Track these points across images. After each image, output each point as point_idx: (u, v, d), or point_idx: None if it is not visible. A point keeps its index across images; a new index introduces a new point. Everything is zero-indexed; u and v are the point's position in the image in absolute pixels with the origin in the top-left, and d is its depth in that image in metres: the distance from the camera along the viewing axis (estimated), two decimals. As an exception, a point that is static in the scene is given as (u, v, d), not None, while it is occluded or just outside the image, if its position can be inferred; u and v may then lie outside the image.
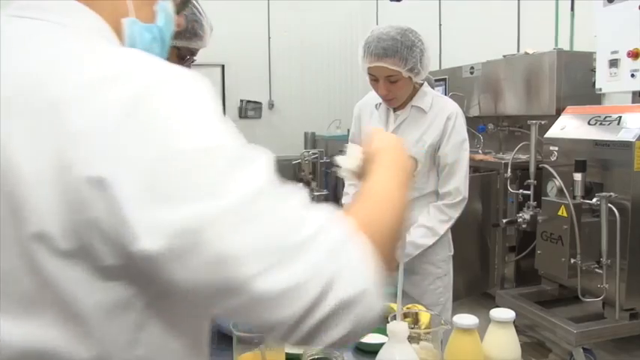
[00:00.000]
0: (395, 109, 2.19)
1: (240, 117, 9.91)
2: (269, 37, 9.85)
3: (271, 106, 10.04)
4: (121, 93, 0.61)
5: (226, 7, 8.81)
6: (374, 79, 2.09)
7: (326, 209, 0.67)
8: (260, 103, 9.97)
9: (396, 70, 2.00)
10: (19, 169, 0.60)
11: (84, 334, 0.63)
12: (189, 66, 1.61)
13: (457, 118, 2.13)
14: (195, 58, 1.62)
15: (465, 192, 2.13)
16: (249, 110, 9.89)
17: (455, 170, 2.12)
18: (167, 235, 0.58)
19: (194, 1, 1.51)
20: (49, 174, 0.60)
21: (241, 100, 9.88)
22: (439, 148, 2.13)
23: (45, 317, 0.63)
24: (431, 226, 2.11)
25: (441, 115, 2.13)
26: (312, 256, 0.60)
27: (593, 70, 3.89)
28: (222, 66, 9.65)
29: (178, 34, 1.50)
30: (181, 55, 1.55)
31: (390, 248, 0.73)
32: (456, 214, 2.13)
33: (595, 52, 3.82)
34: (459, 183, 2.12)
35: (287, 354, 1.13)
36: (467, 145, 2.16)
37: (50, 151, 0.60)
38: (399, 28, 2.01)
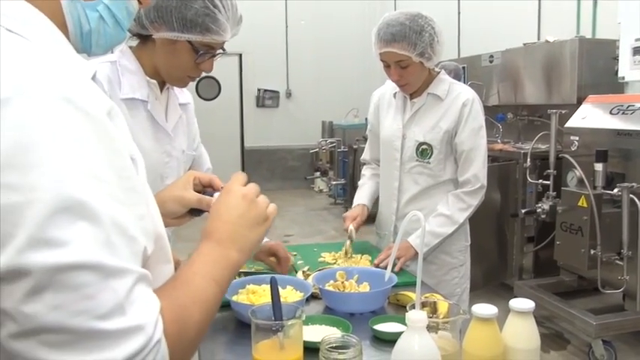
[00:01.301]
0: (411, 97, 2.19)
1: (258, 106, 9.93)
2: (286, 26, 9.84)
3: (289, 95, 10.04)
4: None
5: (244, -5, 8.79)
6: (386, 65, 2.09)
7: (150, 305, 0.64)
8: (277, 92, 9.98)
9: (405, 55, 2.00)
10: None
11: None
12: (210, 60, 1.59)
13: (473, 105, 2.11)
14: (219, 51, 1.59)
15: (483, 179, 2.11)
16: (266, 99, 9.90)
17: (472, 157, 2.10)
18: None
19: None
20: None
21: (259, 89, 9.89)
22: (455, 134, 2.11)
23: None
24: (450, 214, 2.10)
25: (457, 102, 2.12)
26: (110, 353, 0.59)
27: (616, 58, 3.82)
28: (240, 55, 9.66)
29: (188, 29, 1.48)
30: (195, 49, 1.53)
31: (189, 349, 0.73)
32: (474, 201, 2.11)
33: (618, 40, 3.76)
34: (477, 170, 2.10)
35: (305, 342, 1.13)
36: (484, 132, 2.14)
37: None
38: (409, 14, 2.01)
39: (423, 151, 2.13)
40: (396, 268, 1.92)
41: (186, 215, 1.25)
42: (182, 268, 0.81)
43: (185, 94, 1.83)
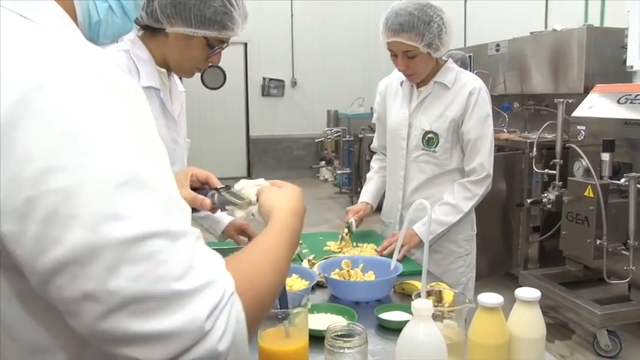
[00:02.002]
0: (418, 85, 2.18)
1: (263, 95, 9.91)
2: (292, 15, 9.79)
3: (294, 84, 10.01)
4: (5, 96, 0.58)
5: (249, -17, 8.75)
6: (393, 55, 2.08)
7: (215, 260, 0.67)
8: (283, 81, 9.95)
9: (412, 46, 1.99)
10: None
11: None
12: (219, 53, 1.63)
13: (480, 93, 2.10)
14: (226, 45, 1.62)
15: (489, 168, 2.10)
16: (271, 88, 9.88)
17: (479, 146, 2.09)
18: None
19: None
20: None
21: (264, 78, 9.87)
22: (462, 123, 2.10)
23: None
24: (455, 203, 2.09)
25: (464, 91, 2.10)
26: (193, 309, 0.61)
27: (625, 47, 3.79)
28: (245, 44, 9.63)
29: (206, 26, 1.51)
30: (210, 44, 1.56)
31: (262, 309, 0.74)
32: (480, 191, 2.11)
33: (627, 28, 3.73)
34: (483, 159, 2.09)
35: (310, 330, 1.14)
36: (491, 120, 2.13)
37: None
38: (418, 4, 1.99)
39: (429, 139, 2.13)
40: (399, 256, 1.92)
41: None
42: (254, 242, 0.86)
43: (180, 84, 1.84)
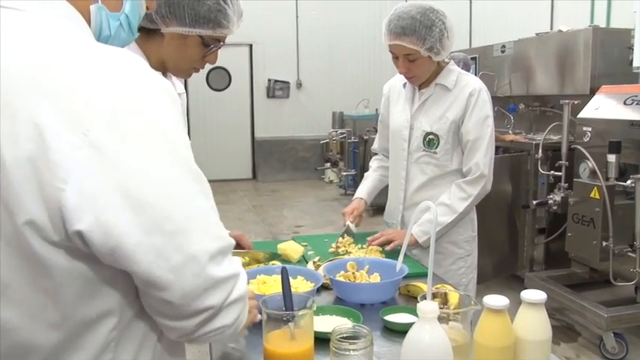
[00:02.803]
0: (420, 88, 2.20)
1: (268, 96, 9.93)
2: (297, 17, 9.81)
3: (299, 85, 10.02)
4: (97, 106, 0.69)
5: (254, -15, 8.77)
6: (395, 57, 2.09)
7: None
8: (288, 83, 9.96)
9: (414, 49, 1.99)
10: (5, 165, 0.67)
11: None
12: (215, 52, 1.63)
13: (480, 95, 2.10)
14: (222, 43, 1.62)
15: (484, 168, 2.10)
16: (276, 90, 9.89)
17: (476, 147, 2.10)
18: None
19: None
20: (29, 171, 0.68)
21: (269, 80, 9.88)
22: (462, 124, 2.11)
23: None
24: (450, 203, 2.10)
25: (464, 92, 2.11)
26: (232, 258, 0.84)
27: (631, 48, 3.78)
28: (250, 45, 9.65)
29: (200, 24, 1.51)
30: (205, 43, 1.57)
31: None
32: (474, 191, 2.10)
33: (633, 29, 3.71)
34: (478, 159, 2.10)
35: (315, 332, 1.14)
36: (490, 121, 2.13)
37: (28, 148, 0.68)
38: (421, 7, 2.00)
39: (430, 141, 2.14)
40: (387, 248, 2.03)
41: None
42: None
43: (179, 85, 1.84)
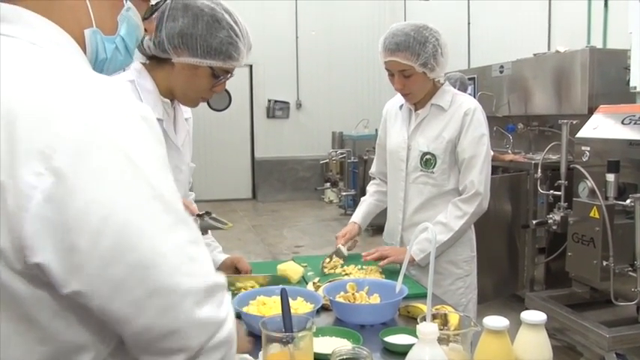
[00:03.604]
0: (416, 108, 2.22)
1: (268, 117, 9.97)
2: (297, 37, 9.89)
3: (299, 105, 10.07)
4: (65, 135, 0.67)
5: (254, 7, 8.87)
6: (391, 74, 2.14)
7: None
8: (288, 103, 10.01)
9: (408, 65, 2.04)
10: None
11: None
12: (223, 84, 1.66)
13: (475, 114, 2.13)
14: (230, 75, 1.65)
15: (479, 186, 2.11)
16: (276, 110, 9.94)
17: (472, 165, 2.12)
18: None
19: (232, 24, 1.55)
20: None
21: (269, 100, 9.94)
22: (458, 143, 2.13)
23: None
24: (446, 222, 2.11)
25: (459, 111, 2.14)
26: (220, 299, 0.78)
27: (628, 68, 3.81)
28: (250, 66, 9.72)
29: (211, 56, 1.55)
30: (215, 74, 1.59)
31: None
32: (470, 209, 2.11)
33: (629, 50, 3.74)
34: (473, 177, 2.11)
35: (315, 353, 1.13)
36: (485, 140, 2.15)
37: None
38: (415, 25, 2.07)
39: (427, 161, 2.16)
40: (381, 264, 2.07)
41: None
42: None
43: (187, 110, 1.87)
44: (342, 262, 2.17)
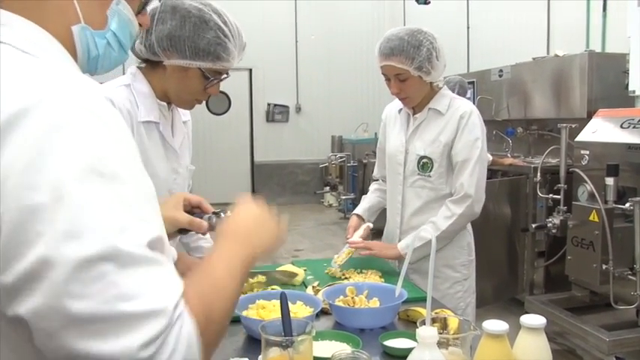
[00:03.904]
0: (414, 113, 2.24)
1: (268, 121, 9.98)
2: (296, 41, 9.90)
3: (298, 109, 10.08)
4: (26, 132, 0.62)
5: (254, 11, 8.88)
6: (387, 79, 2.16)
7: (172, 290, 0.68)
8: (287, 107, 10.02)
9: (403, 69, 2.06)
10: None
11: None
12: (217, 84, 1.65)
13: (470, 117, 2.14)
14: (224, 76, 1.64)
15: (468, 189, 2.11)
16: (276, 114, 9.95)
17: (463, 167, 2.13)
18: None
19: (221, 25, 1.55)
20: None
21: (268, 104, 9.94)
22: (453, 146, 2.14)
23: None
24: (435, 220, 2.13)
25: (456, 115, 2.16)
26: (136, 334, 0.62)
27: (626, 72, 3.81)
28: (250, 70, 9.72)
29: (200, 57, 1.54)
30: (206, 75, 1.59)
31: (214, 330, 0.75)
32: (458, 210, 2.11)
33: (628, 54, 3.75)
34: (463, 179, 2.12)
35: (315, 357, 1.13)
36: (479, 143, 2.14)
37: None
38: (409, 30, 2.09)
39: (424, 164, 2.17)
40: (362, 253, 2.14)
41: (174, 234, 1.33)
42: (202, 262, 0.86)
43: (186, 112, 1.87)
44: (352, 251, 2.19)
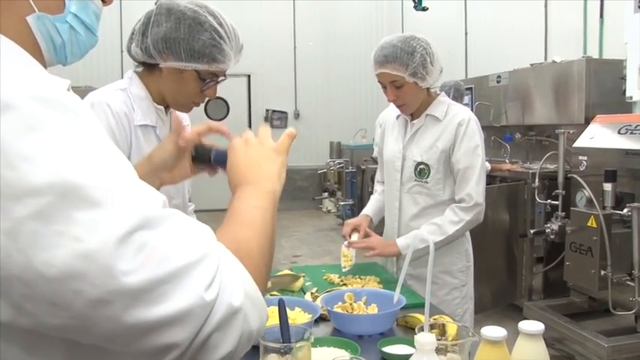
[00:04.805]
0: (412, 119, 2.25)
1: (266, 126, 9.98)
2: (295, 47, 9.93)
3: (297, 115, 10.09)
4: None
5: (252, 17, 8.91)
6: (383, 87, 2.16)
7: (205, 233, 0.70)
8: (286, 113, 10.03)
9: (398, 75, 2.07)
10: None
11: None
12: (214, 87, 1.64)
13: (469, 124, 2.15)
14: (221, 78, 1.64)
15: (477, 198, 2.12)
16: (274, 120, 9.95)
17: (467, 176, 2.13)
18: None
19: (216, 26, 1.54)
20: None
21: (267, 110, 9.95)
22: (452, 153, 2.14)
23: None
24: (440, 224, 2.12)
25: (454, 122, 2.16)
26: (196, 281, 0.64)
27: (624, 78, 3.82)
28: (249, 76, 9.74)
29: (195, 59, 1.53)
30: (202, 77, 1.59)
31: (260, 267, 0.77)
32: (467, 217, 2.12)
33: (625, 60, 3.77)
34: (470, 189, 2.12)
35: (313, 364, 1.13)
36: (480, 151, 2.16)
37: None
38: (402, 37, 2.10)
39: (421, 170, 2.17)
40: (367, 254, 2.15)
41: (188, 166, 1.28)
42: (230, 208, 0.88)
43: (184, 116, 1.86)
44: (353, 254, 2.22)
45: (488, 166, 2.24)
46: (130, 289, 0.59)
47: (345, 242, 2.27)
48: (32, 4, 0.73)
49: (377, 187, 2.55)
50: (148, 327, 0.61)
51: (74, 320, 0.60)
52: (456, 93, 4.58)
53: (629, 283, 3.08)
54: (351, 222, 2.36)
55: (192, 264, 0.64)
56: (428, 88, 2.16)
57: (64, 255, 0.57)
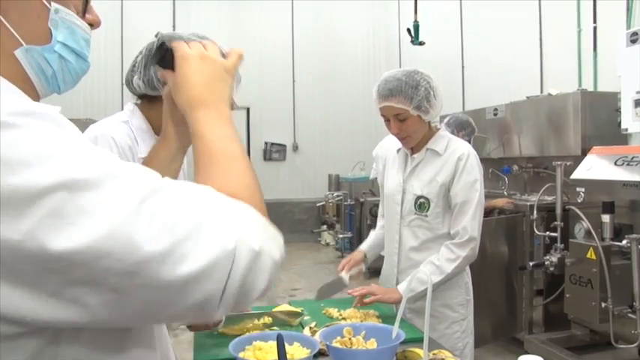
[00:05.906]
0: (412, 153, 2.26)
1: (265, 159, 10.03)
2: (293, 81, 10.04)
3: (295, 148, 10.14)
4: None
5: (251, 50, 9.02)
6: (386, 120, 2.18)
7: (206, 190, 0.73)
8: (284, 146, 10.09)
9: (402, 109, 2.09)
10: None
11: None
12: None
13: (468, 159, 2.16)
14: None
15: (472, 232, 2.12)
16: (273, 152, 10.00)
17: (464, 210, 2.14)
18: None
19: None
20: None
21: (266, 143, 10.01)
22: (451, 187, 2.15)
23: None
24: (439, 264, 2.12)
25: (453, 156, 2.18)
26: (212, 235, 0.68)
27: (619, 110, 3.87)
28: (247, 109, 9.82)
29: None
30: None
31: (260, 198, 0.83)
32: (463, 253, 2.12)
33: (619, 92, 3.81)
34: (466, 222, 2.13)
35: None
36: (478, 185, 2.17)
37: None
38: (406, 71, 2.13)
39: (421, 204, 2.18)
40: (366, 300, 2.10)
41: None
42: (202, 145, 0.87)
43: None
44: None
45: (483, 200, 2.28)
46: (153, 256, 0.63)
47: (340, 276, 2.29)
48: (17, 38, 0.74)
49: (379, 221, 2.55)
50: (180, 286, 0.65)
51: (113, 294, 0.63)
52: (458, 127, 4.60)
53: (630, 315, 3.06)
54: (344, 261, 2.37)
55: (203, 221, 0.68)
56: (429, 122, 2.19)
57: (86, 240, 0.60)
